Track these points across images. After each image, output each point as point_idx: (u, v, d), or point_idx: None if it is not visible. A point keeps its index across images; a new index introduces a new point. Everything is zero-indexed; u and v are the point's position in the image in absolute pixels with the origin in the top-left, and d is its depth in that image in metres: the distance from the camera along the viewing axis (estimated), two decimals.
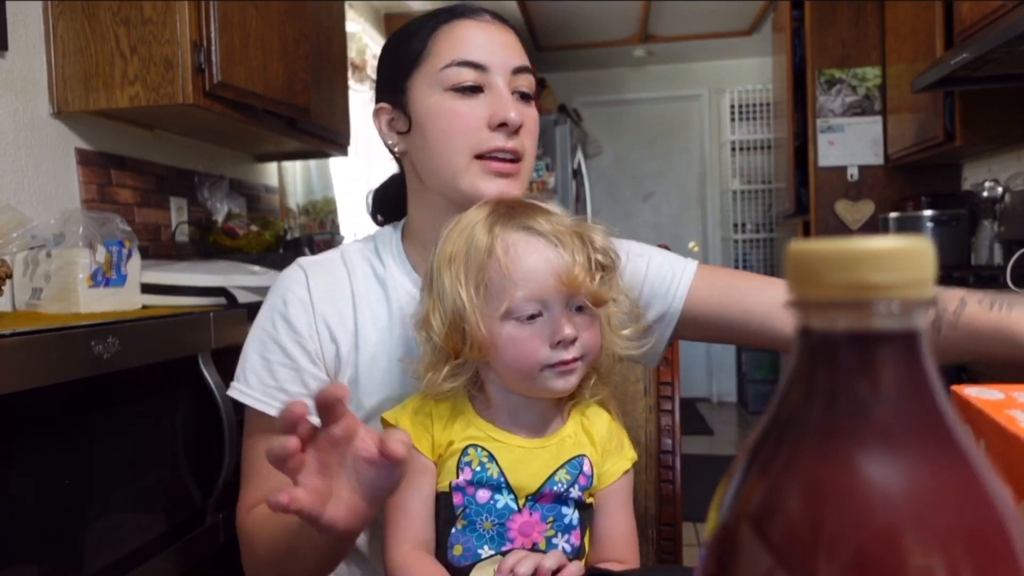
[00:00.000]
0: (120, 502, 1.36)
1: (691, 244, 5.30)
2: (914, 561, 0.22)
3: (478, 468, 0.73)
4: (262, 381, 0.84)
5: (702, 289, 0.91)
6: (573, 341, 0.71)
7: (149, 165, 2.12)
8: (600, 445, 0.79)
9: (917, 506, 0.23)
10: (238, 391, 0.86)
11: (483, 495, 0.73)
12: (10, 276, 1.35)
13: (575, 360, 0.72)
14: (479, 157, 0.82)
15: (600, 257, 0.73)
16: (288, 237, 2.40)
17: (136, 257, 1.60)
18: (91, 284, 1.49)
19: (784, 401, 0.26)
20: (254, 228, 2.24)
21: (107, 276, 1.53)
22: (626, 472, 0.80)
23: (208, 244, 2.19)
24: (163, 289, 1.63)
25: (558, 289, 0.70)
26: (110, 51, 1.75)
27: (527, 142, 0.84)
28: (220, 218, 2.21)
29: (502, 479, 0.73)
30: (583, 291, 0.71)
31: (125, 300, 1.57)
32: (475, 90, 0.82)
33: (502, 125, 0.81)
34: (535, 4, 3.98)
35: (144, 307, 1.61)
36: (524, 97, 0.85)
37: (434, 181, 0.85)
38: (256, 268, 1.84)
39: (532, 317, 0.71)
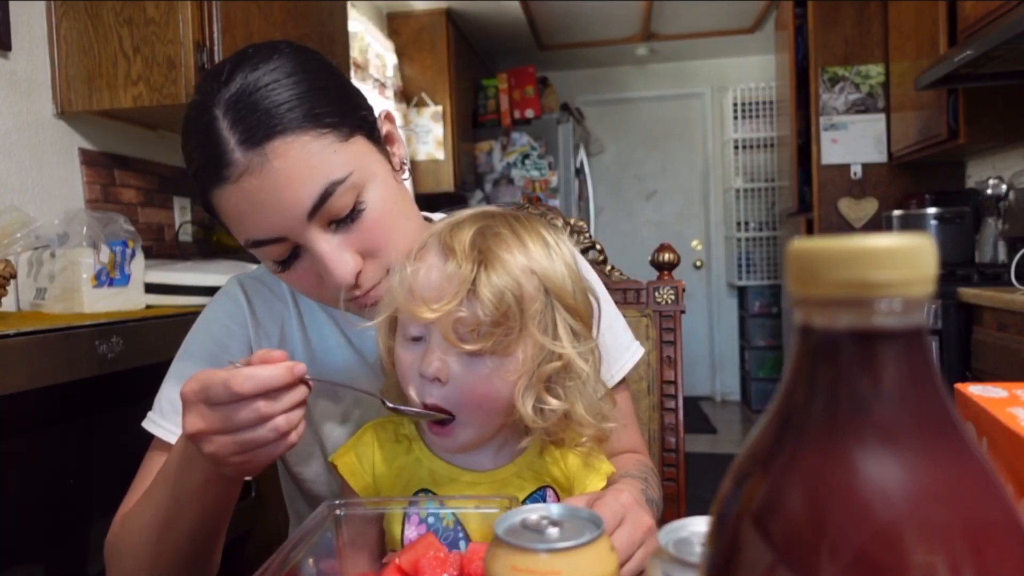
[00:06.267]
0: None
1: (694, 243, 5.29)
2: (916, 559, 0.22)
3: (430, 520, 0.63)
4: (177, 411, 0.73)
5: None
6: (436, 380, 0.62)
7: (152, 165, 2.12)
8: (570, 462, 0.71)
9: (919, 504, 0.23)
10: (150, 421, 0.77)
11: None
12: (14, 276, 1.35)
13: (440, 409, 0.63)
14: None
15: (480, 312, 0.59)
16: None
17: (140, 257, 1.61)
18: (95, 284, 1.49)
19: (785, 399, 0.26)
20: None
21: (111, 276, 1.53)
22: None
23: (211, 244, 2.19)
24: (167, 289, 1.64)
25: (417, 311, 0.60)
26: (113, 51, 1.76)
27: (378, 263, 0.69)
28: None
29: (459, 529, 0.63)
30: (439, 326, 0.60)
31: (129, 300, 1.57)
32: (293, 257, 0.69)
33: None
34: (537, 4, 3.98)
35: (148, 307, 1.61)
36: (343, 221, 0.67)
37: None
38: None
39: (416, 339, 0.64)
